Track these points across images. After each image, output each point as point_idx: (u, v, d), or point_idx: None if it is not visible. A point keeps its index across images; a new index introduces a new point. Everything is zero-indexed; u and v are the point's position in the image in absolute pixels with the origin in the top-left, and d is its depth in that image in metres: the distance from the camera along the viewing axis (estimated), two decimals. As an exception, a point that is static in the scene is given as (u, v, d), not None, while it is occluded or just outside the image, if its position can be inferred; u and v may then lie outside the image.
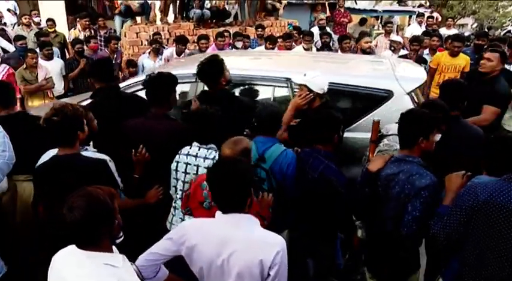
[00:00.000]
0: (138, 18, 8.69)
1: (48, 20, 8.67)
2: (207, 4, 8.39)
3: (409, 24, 13.71)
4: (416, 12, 12.24)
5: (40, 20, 8.99)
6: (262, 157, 2.77)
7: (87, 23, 8.13)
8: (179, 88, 3.58)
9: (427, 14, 11.21)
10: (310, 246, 2.90)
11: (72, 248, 1.64)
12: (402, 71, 3.86)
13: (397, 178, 2.30)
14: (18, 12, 9.79)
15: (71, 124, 2.40)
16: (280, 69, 3.92)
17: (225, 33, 7.28)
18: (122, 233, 1.77)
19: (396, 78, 3.56)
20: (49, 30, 8.31)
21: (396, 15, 15.10)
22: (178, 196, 2.79)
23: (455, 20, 18.18)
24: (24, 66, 5.84)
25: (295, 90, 3.50)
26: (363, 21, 11.86)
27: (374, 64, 4.43)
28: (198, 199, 2.48)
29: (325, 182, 2.65)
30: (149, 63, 6.64)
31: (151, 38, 7.46)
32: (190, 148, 2.74)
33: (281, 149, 2.82)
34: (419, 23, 9.95)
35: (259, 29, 7.88)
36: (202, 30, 8.11)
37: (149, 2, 8.20)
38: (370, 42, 5.81)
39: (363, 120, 3.43)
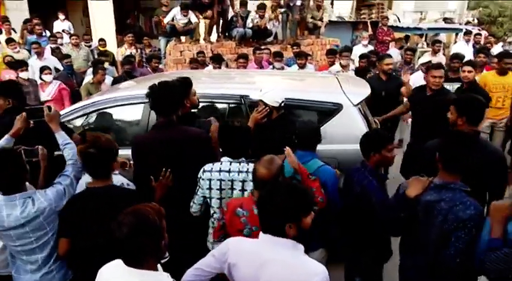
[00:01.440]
0: (183, 38, 8.98)
1: (100, 40, 9.18)
2: (249, 23, 8.56)
3: (455, 42, 13.30)
4: (464, 30, 11.84)
5: (91, 40, 9.52)
6: None
7: (132, 39, 8.50)
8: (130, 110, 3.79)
9: (474, 32, 10.85)
10: (354, 259, 2.90)
11: (119, 263, 1.67)
12: (349, 85, 4.08)
13: (439, 207, 2.21)
14: (72, 32, 10.40)
15: (106, 156, 2.35)
16: (235, 87, 4.04)
17: (265, 50, 7.40)
18: (167, 254, 1.79)
19: (344, 92, 3.78)
20: (101, 49, 8.79)
21: (442, 33, 14.70)
22: (216, 216, 2.77)
23: (506, 38, 17.46)
24: (91, 81, 6.28)
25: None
26: (406, 39, 11.66)
27: (323, 79, 4.77)
28: (237, 227, 2.44)
29: (366, 197, 2.64)
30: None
31: (195, 56, 7.71)
32: (221, 164, 2.72)
33: (317, 165, 2.91)
34: (467, 41, 9.65)
35: (295, 47, 7.91)
36: (244, 49, 8.28)
37: (193, 21, 8.47)
38: (391, 64, 5.70)
39: None
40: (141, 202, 2.26)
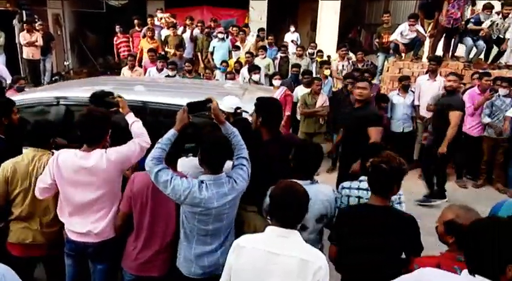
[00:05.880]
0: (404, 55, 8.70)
1: (319, 51, 9.77)
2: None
3: None
4: None
5: (314, 51, 10.12)
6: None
7: (344, 52, 8.87)
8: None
9: None
10: None
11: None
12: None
13: None
14: (299, 42, 11.33)
15: (399, 176, 2.51)
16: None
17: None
18: None
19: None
20: (318, 59, 9.34)
21: None
22: None
23: None
24: (308, 91, 6.80)
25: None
26: None
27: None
28: None
29: None
30: (398, 100, 6.98)
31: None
32: (359, 183, 2.98)
33: None
34: None
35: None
36: (472, 71, 7.40)
37: (420, 39, 8.16)
38: None
39: None
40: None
